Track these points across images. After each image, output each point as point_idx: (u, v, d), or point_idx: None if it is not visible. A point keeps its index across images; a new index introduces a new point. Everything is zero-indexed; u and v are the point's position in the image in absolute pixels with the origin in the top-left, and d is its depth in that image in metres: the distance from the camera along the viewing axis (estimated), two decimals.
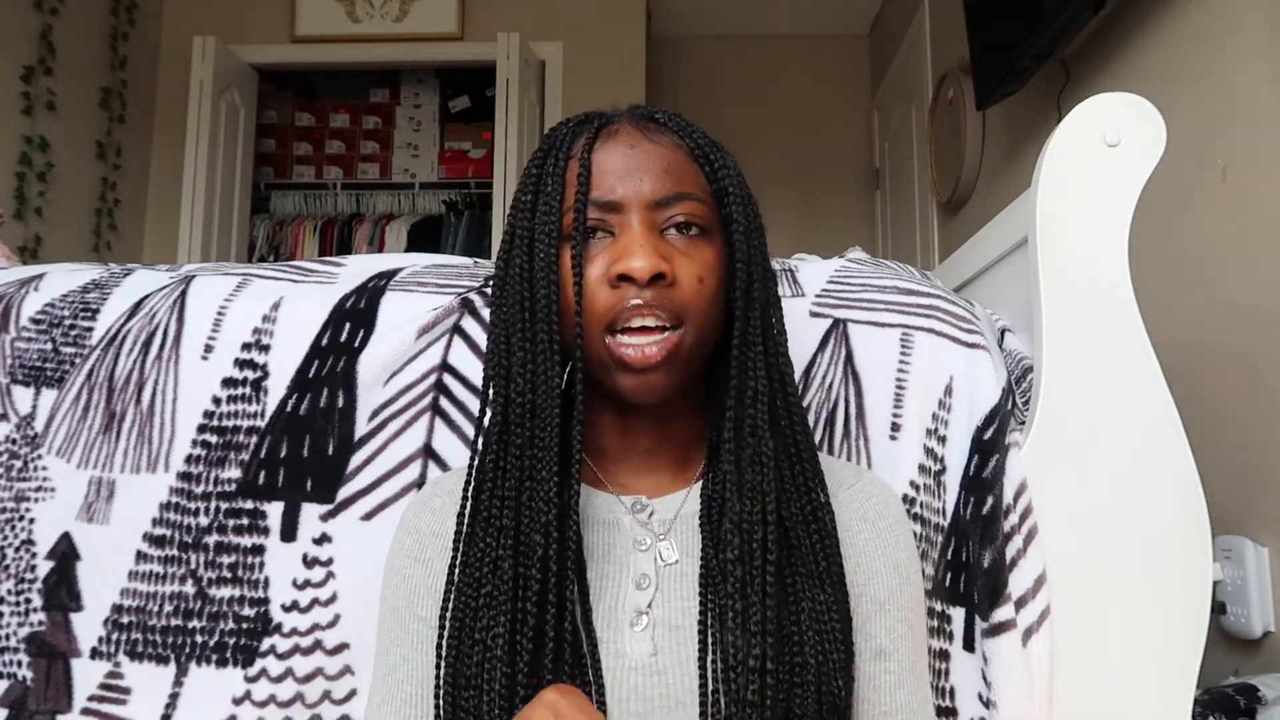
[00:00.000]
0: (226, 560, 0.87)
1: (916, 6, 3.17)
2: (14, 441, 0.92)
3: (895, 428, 0.87)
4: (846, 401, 0.89)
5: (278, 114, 3.93)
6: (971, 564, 0.82)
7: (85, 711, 0.87)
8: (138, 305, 0.95)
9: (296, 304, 0.93)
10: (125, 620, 0.87)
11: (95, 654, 0.87)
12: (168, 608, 0.87)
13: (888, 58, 3.67)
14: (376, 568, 0.76)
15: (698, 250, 0.65)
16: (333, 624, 0.85)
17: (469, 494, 0.66)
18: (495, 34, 3.31)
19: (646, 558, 0.67)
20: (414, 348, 0.89)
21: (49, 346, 0.94)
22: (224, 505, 0.88)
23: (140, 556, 0.88)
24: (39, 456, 0.91)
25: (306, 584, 0.86)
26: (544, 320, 0.64)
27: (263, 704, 0.84)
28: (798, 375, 0.88)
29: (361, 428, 0.88)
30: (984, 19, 2.15)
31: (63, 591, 0.88)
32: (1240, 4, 1.38)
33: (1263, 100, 1.31)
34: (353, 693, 0.84)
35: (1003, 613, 0.79)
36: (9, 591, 0.89)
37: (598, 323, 0.63)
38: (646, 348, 0.63)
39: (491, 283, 0.75)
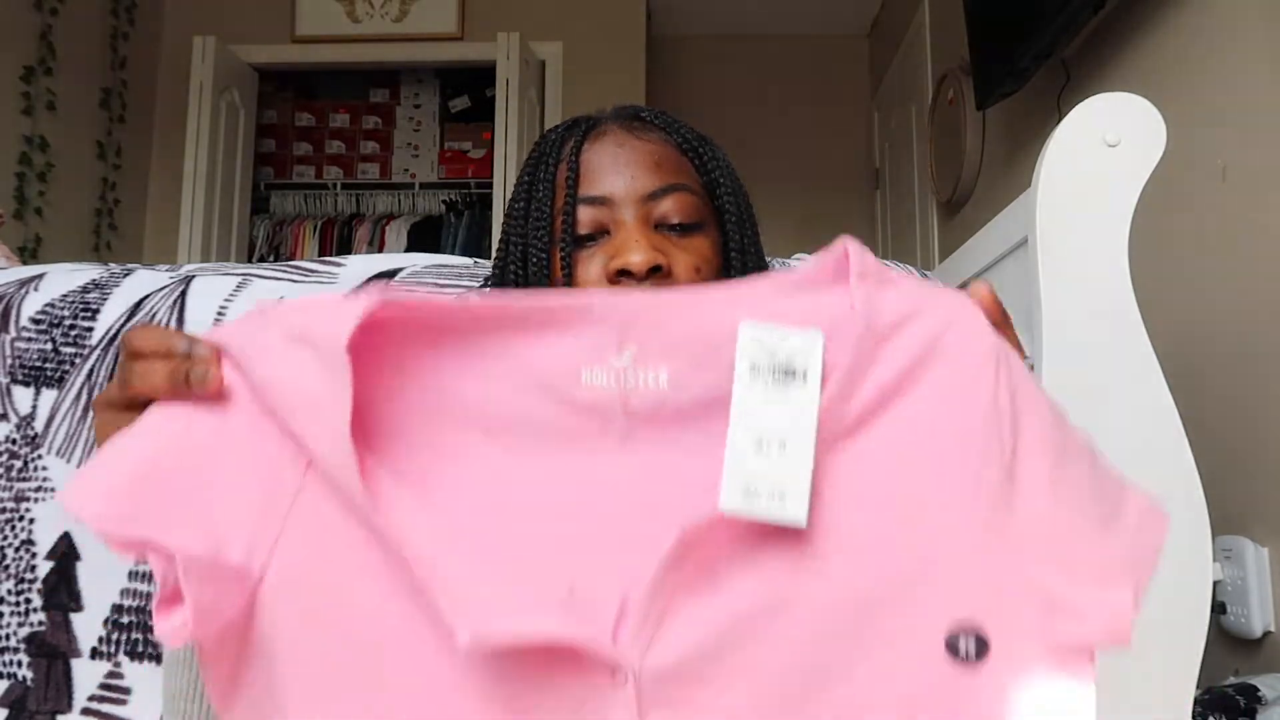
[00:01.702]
0: None
1: (916, 6, 3.17)
2: (14, 441, 0.92)
3: None
4: None
5: (278, 114, 3.92)
6: None
7: (85, 711, 0.86)
8: (138, 305, 0.95)
9: None
10: (125, 620, 0.87)
11: (95, 654, 0.87)
12: None
13: (888, 58, 3.67)
14: None
15: (692, 242, 0.66)
16: None
17: None
18: (495, 34, 3.31)
19: None
20: None
21: (49, 346, 0.94)
22: None
23: None
24: (39, 456, 0.91)
25: None
26: None
27: None
28: None
29: None
30: (984, 19, 2.15)
31: (63, 591, 0.88)
32: (1240, 4, 1.38)
33: (1263, 100, 1.31)
34: None
35: None
36: (9, 591, 0.89)
37: None
38: None
39: (488, 288, 0.75)
